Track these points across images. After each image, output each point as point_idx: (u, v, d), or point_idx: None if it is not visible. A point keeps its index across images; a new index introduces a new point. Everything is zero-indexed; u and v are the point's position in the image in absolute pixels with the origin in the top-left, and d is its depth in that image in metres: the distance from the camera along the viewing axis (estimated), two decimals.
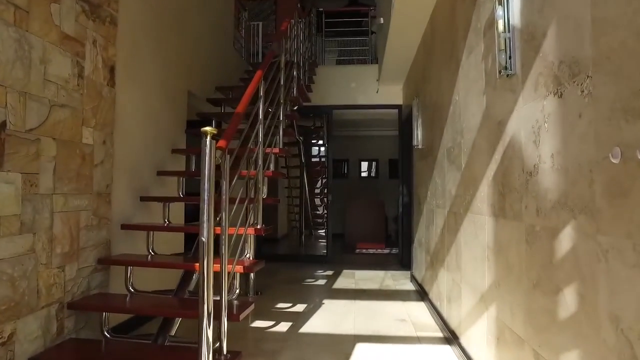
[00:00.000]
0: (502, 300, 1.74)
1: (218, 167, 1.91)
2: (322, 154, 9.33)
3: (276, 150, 3.17)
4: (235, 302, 2.30)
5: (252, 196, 2.67)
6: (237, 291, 2.42)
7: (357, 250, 7.18)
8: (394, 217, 9.39)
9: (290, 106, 4.10)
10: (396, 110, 6.18)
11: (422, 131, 4.09)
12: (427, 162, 3.76)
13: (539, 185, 1.40)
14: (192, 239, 2.70)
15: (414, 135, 4.29)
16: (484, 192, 2.02)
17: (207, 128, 1.76)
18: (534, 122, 1.43)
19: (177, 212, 3.50)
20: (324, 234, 8.82)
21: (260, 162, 2.65)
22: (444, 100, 3.01)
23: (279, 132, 3.38)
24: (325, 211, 6.26)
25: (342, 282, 4.65)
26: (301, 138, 7.44)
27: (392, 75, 5.42)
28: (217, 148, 1.86)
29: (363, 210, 7.57)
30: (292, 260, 6.06)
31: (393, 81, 5.64)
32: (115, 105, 2.68)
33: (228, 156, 1.97)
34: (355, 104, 6.01)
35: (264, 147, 2.71)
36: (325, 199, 6.67)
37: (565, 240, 1.21)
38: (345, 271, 5.30)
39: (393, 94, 5.91)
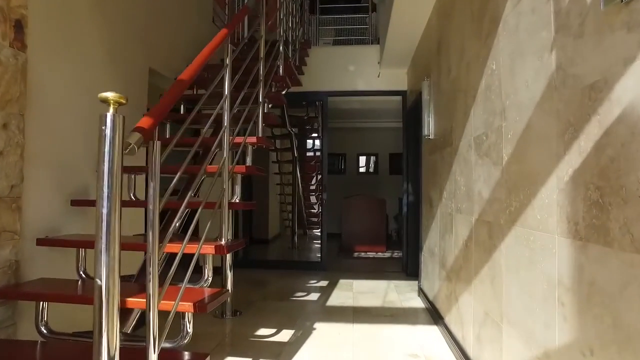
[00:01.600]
0: None
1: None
2: (318, 147, 8.63)
3: (252, 139, 2.47)
4: (186, 355, 1.61)
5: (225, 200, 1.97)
6: (190, 333, 1.72)
7: (356, 254, 6.50)
8: (395, 216, 8.71)
9: (276, 87, 3.39)
10: (399, 98, 5.47)
11: (435, 118, 3.39)
12: (442, 155, 3.06)
13: None
14: None
15: (423, 123, 3.59)
16: (552, 198, 1.32)
17: (109, 94, 1.05)
18: None
19: (132, 219, 2.78)
20: (319, 234, 8.13)
21: (225, 154, 1.95)
22: (470, 73, 2.30)
23: (258, 117, 2.68)
24: (321, 209, 5.58)
25: (338, 297, 3.96)
26: (294, 130, 6.73)
27: (396, 57, 4.71)
28: (135, 130, 1.16)
29: (361, 209, 6.88)
30: (282, 267, 5.37)
31: (397, 64, 4.93)
32: (28, 76, 1.97)
33: (158, 144, 1.26)
34: (353, 89, 5.29)
35: (231, 134, 2.00)
36: (320, 197, 5.95)
37: None
38: (341, 281, 4.61)
39: (397, 78, 5.19)
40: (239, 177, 2.41)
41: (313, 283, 4.57)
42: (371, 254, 6.49)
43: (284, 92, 3.91)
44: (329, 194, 9.02)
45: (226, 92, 1.99)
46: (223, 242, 1.89)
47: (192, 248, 1.68)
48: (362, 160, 9.35)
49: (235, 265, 5.56)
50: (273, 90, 3.30)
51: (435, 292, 3.29)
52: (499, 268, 1.82)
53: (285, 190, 8.27)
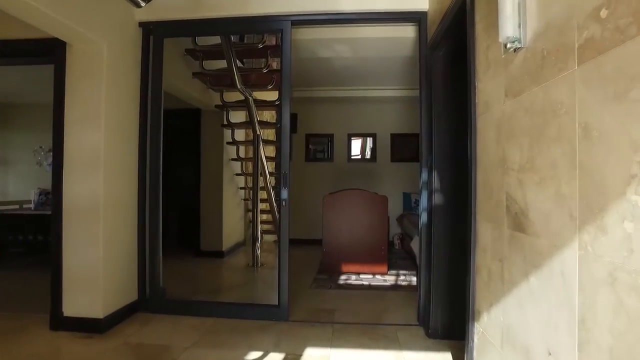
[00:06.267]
0: None
1: None
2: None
3: None
4: None
5: None
6: None
7: (342, 279, 4.33)
8: (398, 217, 6.57)
9: None
10: (413, 33, 3.33)
11: None
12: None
13: None
14: None
15: (501, 20, 1.41)
16: None
17: None
18: None
19: None
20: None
21: None
22: None
23: None
24: (279, 216, 3.39)
25: None
26: (251, 94, 4.52)
27: None
28: None
29: (352, 209, 4.73)
30: (215, 314, 3.19)
31: None
32: None
33: None
34: (333, 11, 3.09)
35: None
36: (278, 196, 3.68)
37: None
38: (309, 353, 2.47)
39: None
40: None
41: None
42: (366, 279, 4.34)
43: None
44: (310, 188, 6.81)
45: None
46: None
47: None
48: (356, 143, 7.15)
49: (138, 309, 3.35)
50: None
51: None
52: None
53: (249, 184, 6.10)
